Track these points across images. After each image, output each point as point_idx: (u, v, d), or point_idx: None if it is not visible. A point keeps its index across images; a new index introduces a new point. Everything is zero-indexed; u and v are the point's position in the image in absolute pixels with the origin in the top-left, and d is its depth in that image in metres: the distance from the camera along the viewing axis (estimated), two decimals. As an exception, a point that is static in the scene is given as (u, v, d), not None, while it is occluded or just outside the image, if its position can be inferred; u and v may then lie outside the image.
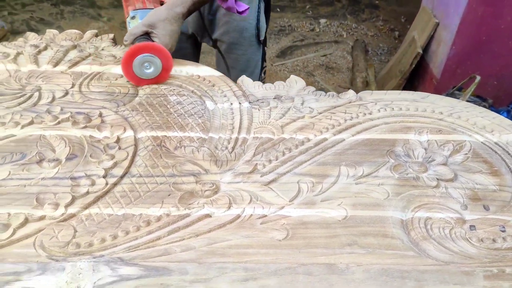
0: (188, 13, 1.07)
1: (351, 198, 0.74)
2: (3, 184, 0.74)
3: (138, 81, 0.98)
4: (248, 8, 1.16)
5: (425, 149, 0.85)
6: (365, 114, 0.93)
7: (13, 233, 0.66)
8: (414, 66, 2.42)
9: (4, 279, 0.60)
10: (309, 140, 0.86)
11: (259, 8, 1.34)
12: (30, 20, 3.24)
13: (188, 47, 1.46)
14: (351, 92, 1.00)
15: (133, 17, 1.08)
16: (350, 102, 0.96)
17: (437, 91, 2.29)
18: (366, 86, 2.72)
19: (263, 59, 1.44)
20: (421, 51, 2.38)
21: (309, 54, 3.13)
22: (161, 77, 1.00)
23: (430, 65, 2.40)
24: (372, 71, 2.88)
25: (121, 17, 3.39)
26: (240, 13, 1.16)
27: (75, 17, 3.33)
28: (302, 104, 0.95)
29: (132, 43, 1.00)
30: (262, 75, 1.45)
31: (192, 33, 1.42)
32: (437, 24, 2.32)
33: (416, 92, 1.00)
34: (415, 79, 2.54)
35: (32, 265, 0.62)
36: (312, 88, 1.01)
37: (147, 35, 1.01)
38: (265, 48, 1.43)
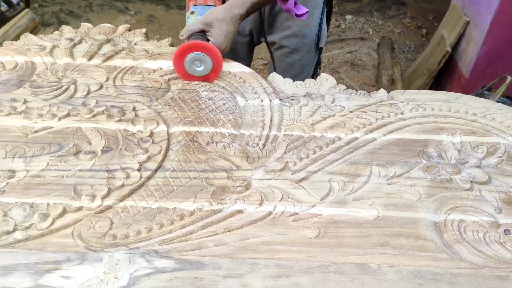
0: (247, 14, 1.07)
1: (383, 199, 0.73)
2: (42, 174, 0.76)
3: (187, 77, 1.00)
4: (307, 12, 1.14)
5: (458, 150, 0.84)
6: (396, 113, 0.92)
7: (52, 223, 0.68)
8: (442, 64, 2.38)
9: (44, 267, 0.62)
10: (340, 138, 0.86)
11: (322, 15, 1.32)
12: (60, 12, 3.30)
13: (243, 46, 1.46)
14: (382, 91, 0.99)
15: (192, 12, 1.08)
16: (381, 102, 0.96)
17: (466, 90, 2.25)
18: (392, 84, 2.69)
19: (318, 65, 1.43)
20: (450, 50, 2.34)
21: (334, 50, 3.11)
22: (210, 76, 1.00)
23: (459, 64, 2.35)
24: (398, 69, 2.84)
25: (148, 10, 3.43)
26: (299, 16, 1.13)
27: (103, 10, 3.37)
28: (332, 102, 0.95)
29: (188, 39, 1.02)
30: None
31: (249, 32, 1.41)
32: (468, 23, 2.27)
33: (449, 92, 0.99)
34: (442, 78, 2.50)
35: (71, 255, 0.64)
36: (343, 87, 1.00)
37: (203, 33, 1.02)
38: (321, 54, 1.42)
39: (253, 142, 0.85)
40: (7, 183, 0.74)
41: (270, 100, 0.95)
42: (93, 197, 0.73)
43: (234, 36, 1.07)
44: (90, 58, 1.07)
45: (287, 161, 0.80)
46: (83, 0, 3.47)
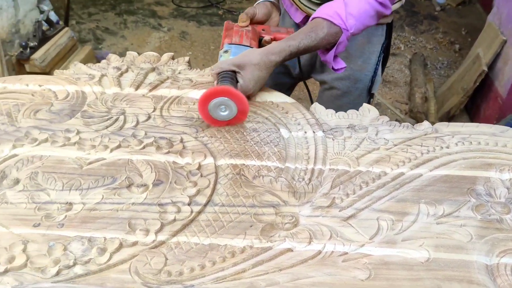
0: (282, 62, 1.06)
1: (433, 239, 0.73)
2: (98, 207, 0.79)
3: (213, 122, 0.98)
4: (344, 68, 1.12)
5: (508, 188, 0.83)
6: (442, 147, 0.92)
7: (110, 258, 0.71)
8: (478, 84, 2.34)
9: (105, 303, 0.64)
10: (385, 174, 0.86)
11: (378, 61, 1.29)
12: (96, 29, 3.41)
13: (288, 82, 1.45)
14: (426, 124, 0.99)
15: (226, 51, 1.08)
16: (425, 134, 0.96)
17: (503, 110, 2.21)
18: (425, 101, 2.66)
19: None
20: (486, 69, 2.30)
21: (365, 66, 3.10)
22: (237, 120, 0.99)
23: (495, 84, 2.31)
24: (431, 86, 2.81)
25: (180, 27, 3.50)
26: (335, 70, 1.11)
27: (137, 27, 3.47)
28: (376, 134, 0.96)
29: (217, 76, 1.01)
30: None
31: (298, 70, 1.38)
32: (505, 42, 2.24)
33: (495, 125, 0.98)
34: (478, 97, 2.46)
35: (129, 291, 0.66)
36: (386, 118, 1.01)
37: (233, 73, 1.01)
38: (372, 99, 1.38)
39: (299, 176, 0.86)
40: (65, 216, 0.78)
41: (313, 132, 0.97)
42: (147, 231, 0.75)
43: (265, 82, 1.06)
44: (137, 88, 1.11)
45: (334, 197, 0.81)
46: (118, 17, 3.57)
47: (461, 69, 2.60)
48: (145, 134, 0.96)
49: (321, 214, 0.78)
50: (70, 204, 0.80)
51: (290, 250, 0.72)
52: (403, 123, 0.99)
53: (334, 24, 1.04)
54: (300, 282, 0.67)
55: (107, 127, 0.98)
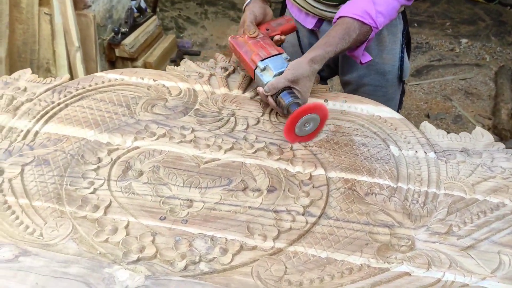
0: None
1: (560, 282, 0.71)
2: (217, 208, 0.83)
3: (294, 139, 0.99)
4: (370, 60, 1.14)
5: None
6: None
7: (232, 259, 0.74)
8: None
9: (232, 304, 0.68)
10: (504, 205, 0.84)
11: (402, 48, 1.28)
12: (178, 18, 3.51)
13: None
14: (546, 155, 0.95)
15: (264, 69, 1.04)
16: (546, 167, 0.92)
17: None
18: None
19: (402, 95, 1.39)
20: None
21: (447, 76, 2.99)
22: (314, 134, 1.00)
23: None
24: (519, 103, 2.66)
25: (258, 21, 3.52)
26: (362, 63, 1.14)
27: (217, 18, 3.53)
28: (491, 161, 0.93)
29: (275, 96, 1.01)
30: (399, 111, 1.40)
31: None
32: None
33: None
34: None
35: (253, 295, 0.69)
36: (501, 145, 0.97)
37: (289, 89, 1.01)
38: (405, 84, 1.38)
39: (413, 198, 0.86)
40: (188, 212, 0.82)
41: (425, 152, 0.95)
42: (265, 237, 0.78)
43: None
44: (245, 90, 1.14)
45: (451, 224, 0.80)
46: (200, 7, 3.66)
47: (556, 88, 2.44)
48: (256, 138, 0.99)
49: (439, 241, 0.77)
50: (191, 201, 0.84)
51: (408, 274, 0.72)
52: (520, 152, 0.96)
53: (365, 23, 1.05)
54: (421, 309, 0.67)
55: (219, 127, 1.02)
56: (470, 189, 0.87)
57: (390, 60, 1.29)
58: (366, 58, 1.15)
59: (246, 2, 1.24)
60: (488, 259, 0.74)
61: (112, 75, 1.17)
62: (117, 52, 2.62)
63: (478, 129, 1.02)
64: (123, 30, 2.62)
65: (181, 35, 3.31)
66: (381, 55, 1.28)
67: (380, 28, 1.09)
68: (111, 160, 0.92)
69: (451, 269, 0.73)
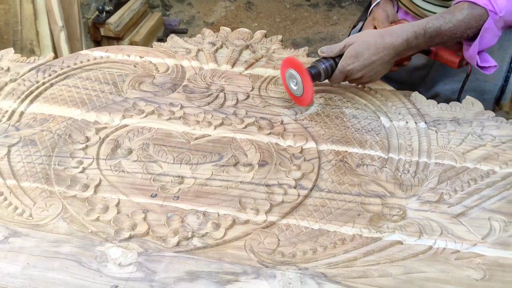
0: (407, 46, 0.92)
1: (550, 246, 0.72)
2: (209, 183, 0.83)
3: (288, 92, 0.98)
4: (496, 67, 0.92)
5: None
6: (554, 149, 0.88)
7: (225, 234, 0.74)
8: None
9: (225, 277, 0.68)
10: (494, 172, 0.84)
11: (510, 67, 1.09)
12: (163, -5, 3.43)
13: None
14: (535, 122, 0.95)
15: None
16: (535, 134, 0.92)
17: None
18: None
19: None
20: None
21: None
22: (302, 101, 0.96)
23: None
24: None
25: (246, -3, 3.46)
26: (481, 68, 0.92)
27: (204, -5, 3.46)
28: (481, 130, 0.93)
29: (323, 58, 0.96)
30: None
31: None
32: None
33: None
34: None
35: (247, 268, 0.69)
36: (491, 113, 0.97)
37: (331, 60, 0.95)
38: (497, 107, 1.19)
39: (404, 168, 0.86)
40: (179, 189, 0.82)
41: (415, 122, 0.95)
42: (257, 211, 0.78)
43: (380, 68, 0.94)
44: (233, 65, 1.12)
45: (442, 193, 0.80)
46: (185, -16, 3.58)
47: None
48: (246, 113, 0.98)
49: (430, 209, 0.78)
50: (182, 178, 0.84)
51: (399, 242, 0.73)
52: (510, 120, 0.96)
53: (477, 4, 0.86)
54: (413, 276, 0.68)
55: (208, 103, 1.01)
56: (461, 157, 0.87)
57: (493, 79, 1.10)
58: (487, 61, 0.92)
59: (376, 2, 1.10)
60: (478, 226, 0.75)
61: (98, 52, 1.14)
62: (102, 31, 2.57)
63: (469, 98, 1.01)
64: (107, 8, 2.56)
65: (168, 13, 3.25)
66: (485, 74, 1.06)
67: (501, 14, 0.85)
68: (100, 138, 0.91)
69: (442, 236, 0.73)
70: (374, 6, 1.11)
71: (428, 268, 0.69)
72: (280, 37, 1.24)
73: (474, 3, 0.87)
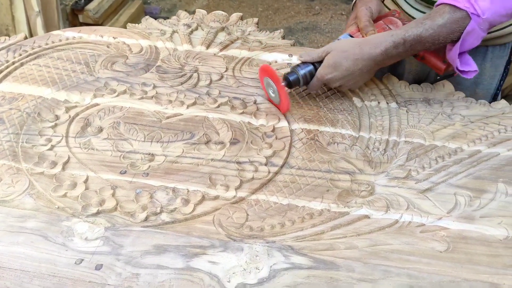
0: (385, 56, 0.89)
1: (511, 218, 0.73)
2: (179, 161, 0.83)
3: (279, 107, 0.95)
4: (476, 72, 0.89)
5: None
6: (520, 128, 0.90)
7: (194, 209, 0.74)
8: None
9: (193, 251, 0.68)
10: (462, 150, 0.85)
11: (500, 85, 1.06)
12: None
13: None
14: (503, 102, 0.97)
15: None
16: (503, 113, 0.94)
17: None
18: None
19: None
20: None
21: None
22: (281, 107, 0.93)
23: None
24: None
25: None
26: (461, 72, 0.88)
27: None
28: (451, 110, 0.94)
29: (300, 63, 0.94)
30: None
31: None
32: None
33: None
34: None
35: (215, 242, 0.69)
36: (462, 94, 0.99)
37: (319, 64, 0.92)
38: None
39: (374, 146, 0.87)
40: (149, 166, 0.81)
41: (387, 103, 0.96)
42: (227, 187, 0.78)
43: (358, 79, 0.93)
44: (208, 46, 1.12)
45: (410, 169, 0.81)
46: (167, -28, 3.54)
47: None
48: (219, 93, 0.98)
49: (397, 185, 0.79)
50: (153, 155, 0.83)
51: (367, 216, 0.74)
52: (479, 100, 0.97)
53: (458, 8, 0.82)
54: (379, 248, 0.69)
55: (181, 83, 1.00)
56: (430, 136, 0.88)
57: (482, 96, 1.06)
58: (468, 65, 0.88)
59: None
60: (444, 200, 0.76)
61: (70, 33, 1.13)
62: (81, 18, 2.53)
63: (440, 81, 1.03)
64: (86, -5, 2.53)
65: (149, 1, 3.21)
66: (474, 89, 1.07)
67: (484, 17, 0.81)
68: (69, 117, 0.90)
69: (408, 210, 0.75)
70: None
71: (393, 240, 0.70)
72: (256, 19, 1.23)
73: (455, 6, 0.82)
